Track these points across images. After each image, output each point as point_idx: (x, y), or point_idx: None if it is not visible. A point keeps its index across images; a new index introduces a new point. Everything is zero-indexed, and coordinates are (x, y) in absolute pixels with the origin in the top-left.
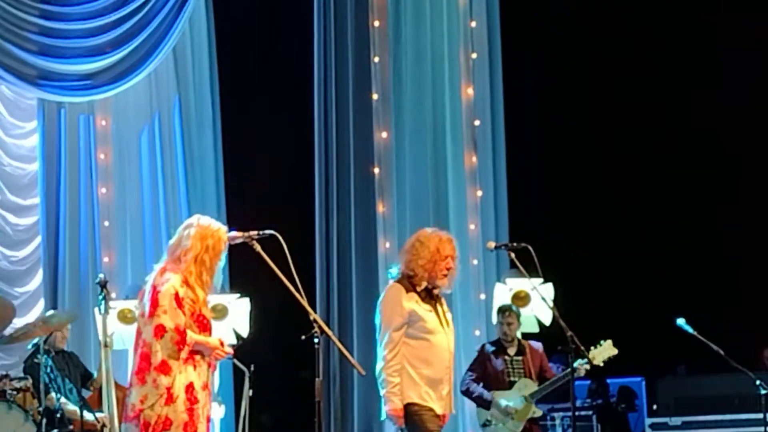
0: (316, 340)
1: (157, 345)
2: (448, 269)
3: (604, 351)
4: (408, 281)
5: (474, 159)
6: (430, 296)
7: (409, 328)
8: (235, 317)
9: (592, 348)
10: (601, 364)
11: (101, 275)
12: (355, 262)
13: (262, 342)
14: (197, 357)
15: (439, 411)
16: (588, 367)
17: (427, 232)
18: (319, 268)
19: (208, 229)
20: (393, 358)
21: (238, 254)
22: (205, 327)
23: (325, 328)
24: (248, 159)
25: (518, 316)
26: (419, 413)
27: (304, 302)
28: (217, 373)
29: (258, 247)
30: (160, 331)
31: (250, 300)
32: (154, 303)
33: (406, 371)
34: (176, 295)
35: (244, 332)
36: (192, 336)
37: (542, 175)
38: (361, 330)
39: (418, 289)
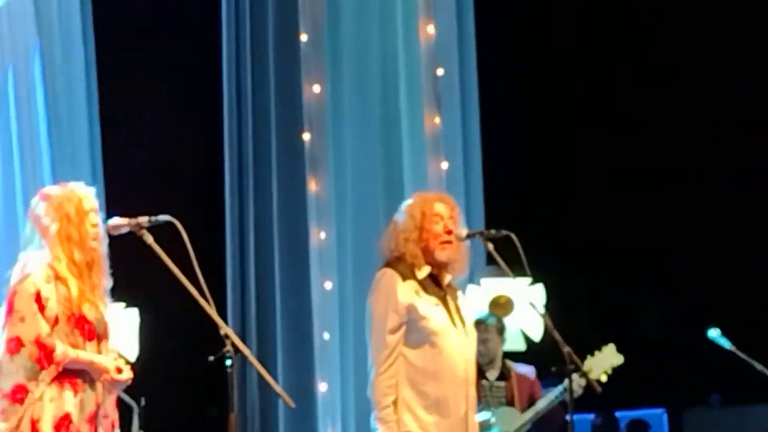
0: (228, 363)
1: (10, 364)
2: (448, 233)
3: (604, 359)
4: (405, 266)
5: (437, 120)
6: (436, 285)
7: (408, 332)
8: (119, 334)
9: (588, 356)
10: (603, 378)
11: None
12: (279, 258)
13: (156, 366)
14: (79, 380)
15: None
16: (584, 383)
17: (408, 200)
18: (232, 266)
19: (60, 195)
20: (387, 369)
21: (122, 249)
22: (91, 334)
23: (241, 346)
24: (135, 125)
25: (501, 330)
26: None
27: (213, 312)
28: None
29: (149, 239)
30: (14, 345)
31: (140, 311)
32: (10, 308)
33: (402, 393)
34: (37, 295)
35: (132, 354)
36: (67, 351)
37: (527, 142)
38: (288, 348)
39: (419, 275)
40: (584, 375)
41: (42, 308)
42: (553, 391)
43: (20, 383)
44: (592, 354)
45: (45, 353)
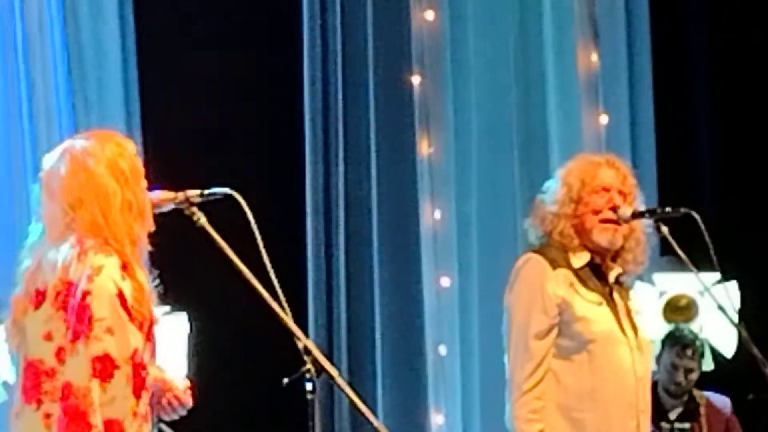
0: (309, 386)
1: (99, 391)
2: (612, 209)
3: None
4: (555, 250)
5: (594, 58)
6: (599, 277)
7: (558, 337)
8: (163, 346)
9: None
10: None
11: None
12: (378, 246)
13: (211, 391)
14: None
15: None
16: None
17: (565, 163)
18: (314, 257)
19: (107, 150)
20: (534, 387)
21: (166, 234)
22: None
23: (326, 365)
24: (183, 65)
25: (701, 354)
26: None
27: (287, 318)
28: None
29: (202, 219)
30: (105, 366)
31: (190, 316)
32: (83, 315)
33: (549, 423)
34: (120, 294)
35: (179, 375)
36: (151, 371)
37: (722, 86)
38: (390, 366)
39: (575, 263)
40: None
41: (129, 313)
42: None
43: (114, 418)
44: None
45: (139, 378)
